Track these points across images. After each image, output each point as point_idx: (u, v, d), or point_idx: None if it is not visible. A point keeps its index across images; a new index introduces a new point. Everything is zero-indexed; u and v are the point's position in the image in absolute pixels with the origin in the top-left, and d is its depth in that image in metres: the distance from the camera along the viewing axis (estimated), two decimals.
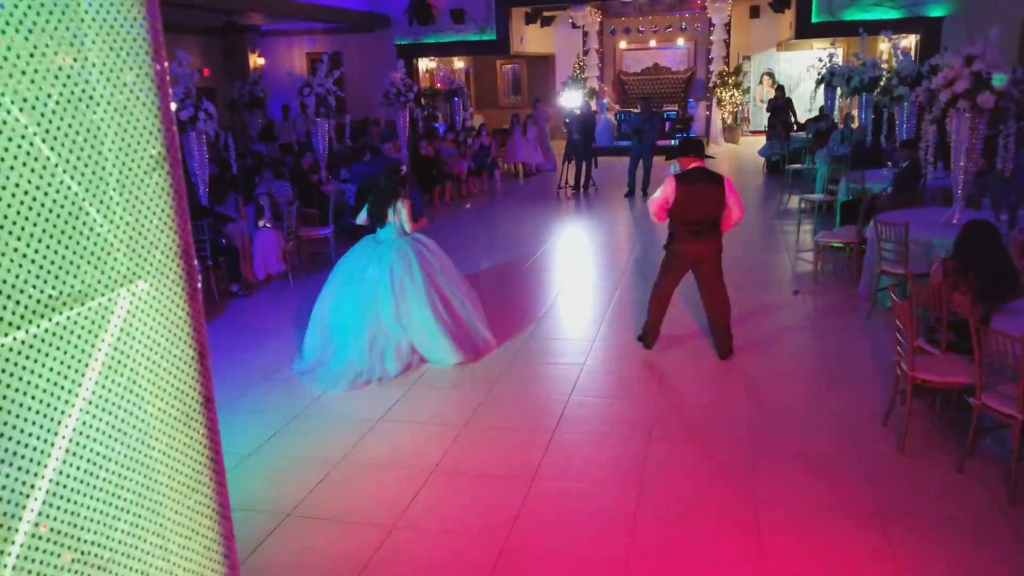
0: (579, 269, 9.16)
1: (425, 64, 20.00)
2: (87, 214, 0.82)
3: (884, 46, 16.20)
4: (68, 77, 0.80)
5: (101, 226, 0.83)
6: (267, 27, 18.95)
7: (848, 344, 6.22)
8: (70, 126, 0.81)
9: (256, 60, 19.10)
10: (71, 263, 0.84)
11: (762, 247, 9.67)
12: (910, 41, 16.69)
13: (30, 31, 0.76)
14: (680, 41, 20.98)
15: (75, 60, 0.80)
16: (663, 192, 5.68)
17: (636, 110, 15.31)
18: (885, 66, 13.35)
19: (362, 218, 6.28)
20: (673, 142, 19.39)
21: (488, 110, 22.11)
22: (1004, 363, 3.98)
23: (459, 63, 21.18)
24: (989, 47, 6.22)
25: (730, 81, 19.01)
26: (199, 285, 1.05)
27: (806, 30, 16.97)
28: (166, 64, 0.93)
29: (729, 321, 5.97)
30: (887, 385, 5.05)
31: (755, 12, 20.29)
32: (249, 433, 5.01)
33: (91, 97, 0.82)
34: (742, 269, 8.52)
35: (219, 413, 4.78)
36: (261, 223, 8.52)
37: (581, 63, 19.86)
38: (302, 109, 10.83)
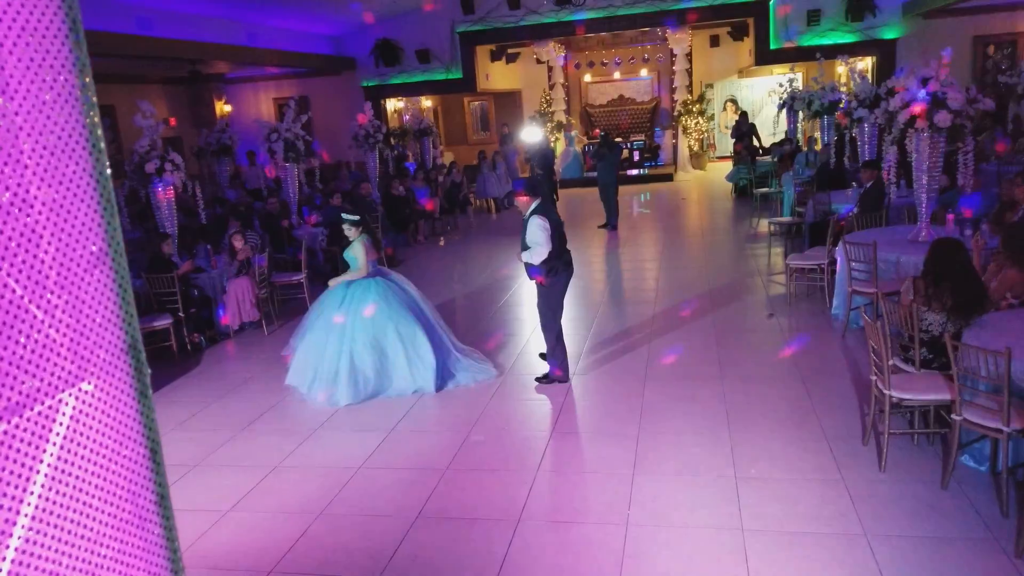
0: None
1: (393, 104, 20.11)
2: (32, 316, 0.79)
3: (842, 69, 16.59)
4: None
5: (39, 331, 0.80)
6: (232, 75, 18.99)
7: (825, 365, 6.25)
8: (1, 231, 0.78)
9: (223, 107, 19.10)
10: (6, 373, 0.80)
11: (734, 271, 9.75)
12: (867, 63, 17.11)
13: None
14: (643, 72, 21.31)
15: (5, 164, 0.78)
16: (544, 232, 5.87)
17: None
18: (844, 89, 13.65)
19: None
20: (643, 171, 19.68)
21: (457, 146, 22.25)
22: (977, 377, 4.01)
23: (427, 102, 21.31)
24: (942, 67, 6.38)
25: (694, 109, 19.32)
26: (149, 379, 1.01)
27: (765, 56, 17.36)
28: (104, 154, 0.91)
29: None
30: (865, 404, 5.07)
31: (715, 41, 20.72)
32: (227, 487, 4.91)
33: (23, 200, 0.79)
34: (716, 293, 8.58)
35: (196, 468, 4.64)
36: (233, 271, 8.44)
37: (548, 97, 20.09)
38: (270, 155, 10.79)
